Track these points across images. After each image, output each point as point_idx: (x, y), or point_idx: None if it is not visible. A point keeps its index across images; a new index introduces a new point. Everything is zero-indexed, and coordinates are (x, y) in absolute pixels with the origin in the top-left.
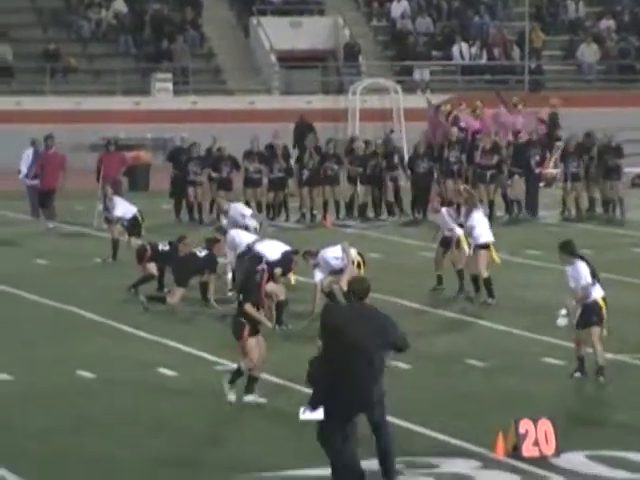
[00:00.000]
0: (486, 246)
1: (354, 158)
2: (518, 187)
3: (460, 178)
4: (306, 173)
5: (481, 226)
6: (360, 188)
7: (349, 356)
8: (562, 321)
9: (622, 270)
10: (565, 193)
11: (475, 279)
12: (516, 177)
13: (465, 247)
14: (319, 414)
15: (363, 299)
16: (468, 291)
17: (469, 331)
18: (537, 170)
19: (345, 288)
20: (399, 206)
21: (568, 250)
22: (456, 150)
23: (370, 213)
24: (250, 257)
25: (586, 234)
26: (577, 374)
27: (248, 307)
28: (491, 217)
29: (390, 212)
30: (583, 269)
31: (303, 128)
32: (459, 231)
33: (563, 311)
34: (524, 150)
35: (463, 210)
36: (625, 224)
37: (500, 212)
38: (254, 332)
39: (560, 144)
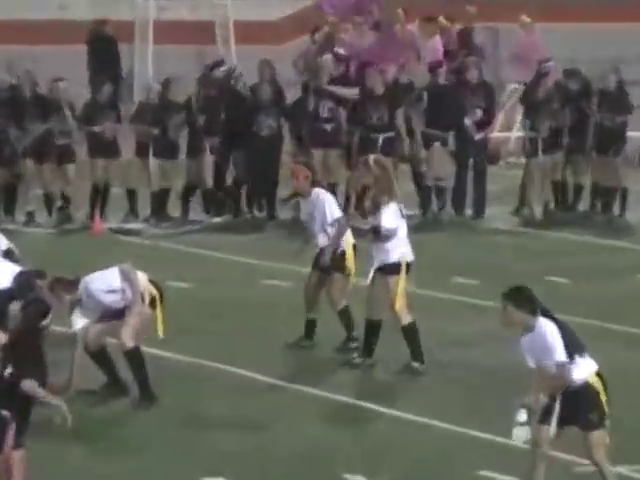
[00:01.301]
0: (399, 267)
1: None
2: (441, 161)
3: (336, 148)
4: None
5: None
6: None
7: None
8: (521, 434)
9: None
10: (528, 178)
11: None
12: (437, 145)
13: (351, 265)
14: None
15: None
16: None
17: None
18: (478, 136)
19: (130, 345)
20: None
21: (523, 304)
22: (326, 100)
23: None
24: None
25: (557, 245)
26: None
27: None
28: None
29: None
30: (551, 335)
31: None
32: (347, 236)
33: (522, 416)
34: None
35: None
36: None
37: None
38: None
39: (515, 87)
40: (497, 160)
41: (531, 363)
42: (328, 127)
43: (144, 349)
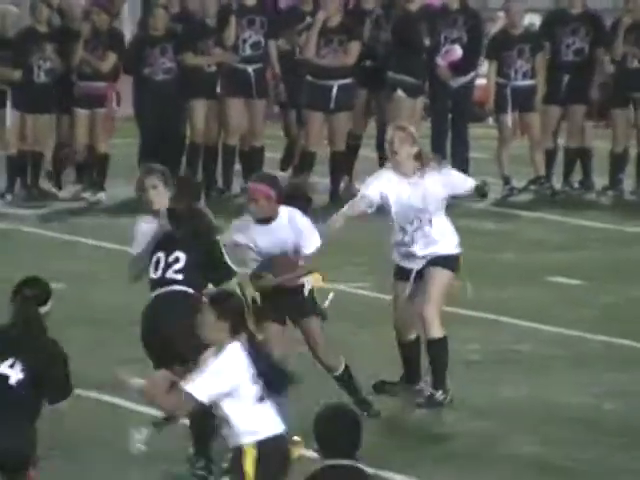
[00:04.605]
0: (459, 263)
1: None
2: (400, 115)
3: (262, 98)
4: None
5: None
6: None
7: None
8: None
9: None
10: (500, 141)
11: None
12: (398, 94)
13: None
14: None
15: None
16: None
17: None
18: (455, 82)
19: None
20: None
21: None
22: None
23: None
24: None
25: (563, 234)
26: None
27: None
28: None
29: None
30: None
31: None
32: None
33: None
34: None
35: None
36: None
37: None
38: None
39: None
40: (486, 116)
41: None
42: (251, 69)
43: None
